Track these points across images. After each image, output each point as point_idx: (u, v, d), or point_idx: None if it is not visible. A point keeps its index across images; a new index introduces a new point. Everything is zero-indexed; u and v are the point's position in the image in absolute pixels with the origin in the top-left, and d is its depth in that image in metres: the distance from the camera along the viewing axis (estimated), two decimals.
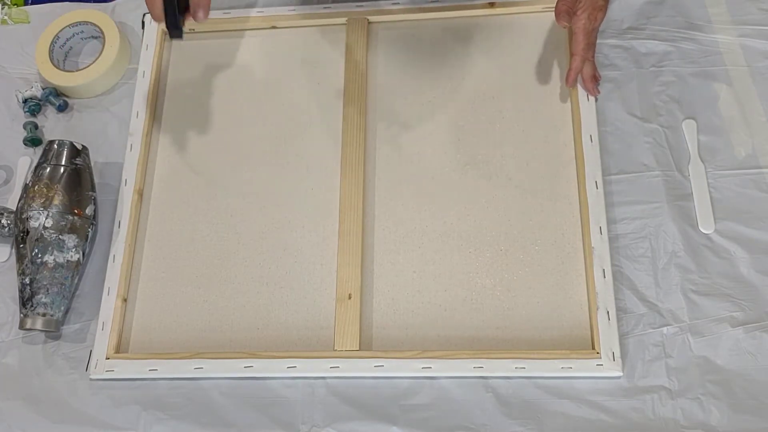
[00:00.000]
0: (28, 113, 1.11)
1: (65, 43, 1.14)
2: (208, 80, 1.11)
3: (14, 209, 0.99)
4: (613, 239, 0.93)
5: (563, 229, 0.95)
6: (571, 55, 0.98)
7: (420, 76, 1.07)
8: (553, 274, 0.93)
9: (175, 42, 1.14)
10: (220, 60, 1.12)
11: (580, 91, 1.00)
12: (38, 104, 1.11)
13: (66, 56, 1.15)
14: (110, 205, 1.03)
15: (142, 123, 1.07)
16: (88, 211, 0.99)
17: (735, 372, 0.86)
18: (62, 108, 1.11)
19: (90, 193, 1.00)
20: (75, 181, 0.98)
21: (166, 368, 0.92)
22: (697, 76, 1.01)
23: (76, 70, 1.11)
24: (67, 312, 0.98)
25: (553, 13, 0.98)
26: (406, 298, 0.94)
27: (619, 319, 0.89)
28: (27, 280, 0.95)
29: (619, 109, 1.00)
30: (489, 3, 1.08)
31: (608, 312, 0.89)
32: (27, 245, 0.95)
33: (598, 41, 1.03)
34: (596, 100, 0.99)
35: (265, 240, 1.00)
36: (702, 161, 0.96)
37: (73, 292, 0.98)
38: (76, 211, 0.97)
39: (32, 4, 1.23)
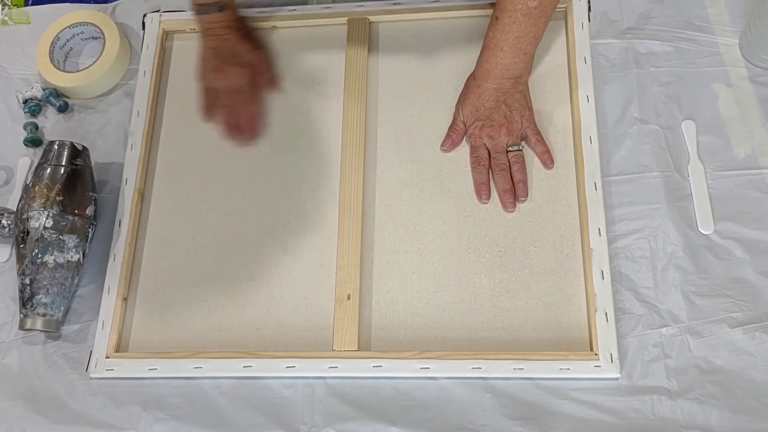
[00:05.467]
0: (28, 114, 1.11)
1: (65, 44, 1.15)
2: None
3: (15, 210, 1.00)
4: (612, 240, 0.93)
5: (562, 230, 0.95)
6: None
7: (420, 76, 1.07)
8: (552, 275, 0.93)
9: (176, 42, 1.14)
10: None
11: (580, 92, 1.00)
12: (38, 105, 1.11)
13: (66, 57, 1.16)
14: (110, 205, 1.03)
15: (142, 123, 1.07)
16: (89, 211, 0.99)
17: (734, 373, 0.86)
18: (62, 108, 1.11)
19: (90, 193, 1.00)
20: (75, 181, 0.99)
21: (166, 367, 0.92)
22: (696, 76, 1.01)
23: (77, 71, 1.11)
24: (67, 312, 0.98)
25: (555, 18, 1.00)
26: (405, 299, 0.94)
27: (618, 320, 0.89)
28: (27, 281, 0.95)
29: (619, 110, 1.00)
30: (490, 3, 1.08)
31: (606, 313, 0.89)
32: (27, 245, 0.95)
33: (597, 41, 1.04)
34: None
35: (265, 240, 1.00)
36: (701, 162, 0.96)
37: (73, 293, 0.99)
38: (76, 211, 0.97)
39: (33, 4, 1.23)
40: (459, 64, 1.06)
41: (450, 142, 1.00)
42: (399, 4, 1.10)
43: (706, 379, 0.86)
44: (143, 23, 1.14)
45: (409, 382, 0.90)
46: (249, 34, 1.06)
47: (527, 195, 0.96)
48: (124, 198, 1.03)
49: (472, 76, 0.99)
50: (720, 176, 0.95)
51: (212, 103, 1.05)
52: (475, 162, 0.98)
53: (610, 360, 0.87)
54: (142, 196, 1.04)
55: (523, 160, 0.97)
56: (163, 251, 1.01)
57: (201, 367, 0.92)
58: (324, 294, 0.95)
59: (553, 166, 0.98)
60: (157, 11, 1.15)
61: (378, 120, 1.05)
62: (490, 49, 0.94)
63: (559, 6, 1.06)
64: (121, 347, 0.96)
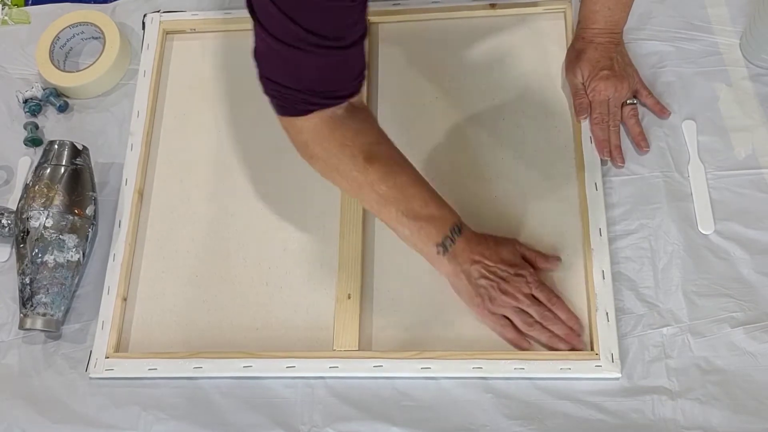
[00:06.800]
0: (28, 113, 1.11)
1: (66, 44, 1.15)
2: (208, 80, 1.11)
3: (15, 209, 1.00)
4: (612, 240, 0.93)
5: (563, 230, 0.95)
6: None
7: (421, 76, 1.07)
8: (553, 275, 0.93)
9: (176, 42, 1.14)
10: (220, 60, 1.12)
11: None
12: (39, 105, 1.11)
13: (66, 57, 1.16)
14: (110, 205, 1.03)
15: (142, 123, 1.07)
16: (89, 211, 0.99)
17: (735, 372, 0.86)
18: (63, 108, 1.11)
19: (90, 193, 1.00)
20: (75, 181, 0.99)
21: (166, 367, 0.92)
22: (697, 76, 1.01)
23: (77, 71, 1.12)
24: (67, 312, 0.98)
25: (554, 19, 1.02)
26: (406, 299, 0.94)
27: (619, 320, 0.89)
28: (27, 280, 0.95)
29: None
30: (490, 4, 1.08)
31: (607, 313, 0.89)
32: (27, 245, 0.95)
33: None
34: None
35: (265, 240, 1.00)
36: (701, 162, 0.96)
37: (73, 292, 0.98)
38: (76, 211, 0.97)
39: (33, 4, 1.23)
40: (459, 64, 1.06)
41: (584, 107, 0.98)
42: (399, 4, 1.10)
43: (707, 379, 0.86)
44: (143, 23, 1.14)
45: (409, 382, 0.90)
46: (498, 239, 0.91)
47: (649, 146, 0.97)
48: (124, 198, 1.03)
49: (579, 38, 0.99)
50: (720, 176, 0.95)
51: (519, 328, 0.88)
52: (599, 119, 0.97)
53: (610, 360, 0.86)
54: (142, 196, 1.04)
55: (638, 113, 0.98)
56: (163, 251, 1.01)
57: (201, 367, 0.92)
58: (324, 293, 0.95)
59: (667, 115, 0.98)
60: (157, 11, 1.15)
61: (378, 120, 1.04)
62: (597, 11, 0.96)
63: (558, 6, 1.07)
64: (120, 347, 0.96)
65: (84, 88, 1.11)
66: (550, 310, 0.88)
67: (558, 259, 0.92)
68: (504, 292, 0.87)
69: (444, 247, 0.86)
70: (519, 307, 0.87)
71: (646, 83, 1.00)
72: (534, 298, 0.88)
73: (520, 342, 0.88)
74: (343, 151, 0.83)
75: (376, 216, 0.91)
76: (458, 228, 0.87)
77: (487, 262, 0.87)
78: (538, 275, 0.89)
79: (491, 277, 0.87)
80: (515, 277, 0.87)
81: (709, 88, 1.00)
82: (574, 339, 0.88)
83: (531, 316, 0.87)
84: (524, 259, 0.90)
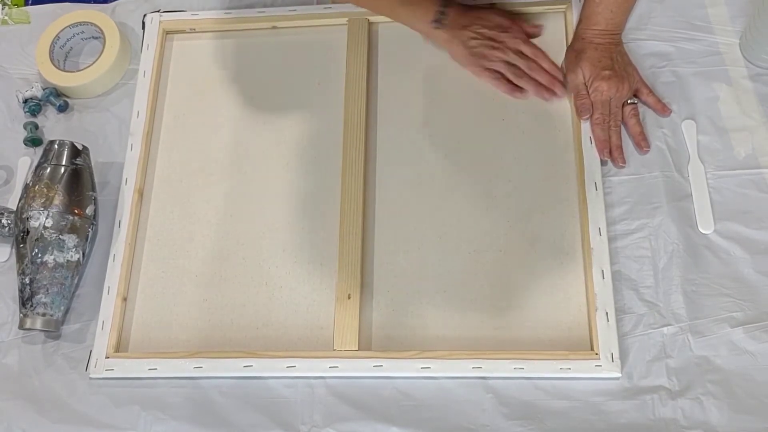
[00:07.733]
0: (28, 113, 1.11)
1: (66, 44, 1.15)
2: (208, 80, 1.11)
3: (14, 209, 1.00)
4: (612, 239, 0.93)
5: (562, 230, 0.95)
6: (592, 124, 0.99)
7: (420, 76, 1.07)
8: (552, 274, 0.93)
9: (176, 42, 1.14)
10: (220, 60, 1.12)
11: None
12: (38, 104, 1.11)
13: (66, 56, 1.16)
14: (110, 205, 1.03)
15: (142, 123, 1.07)
16: (89, 211, 0.99)
17: (735, 372, 0.86)
18: (62, 108, 1.11)
19: (90, 193, 1.00)
20: (75, 181, 0.99)
21: (166, 367, 0.92)
22: (697, 76, 1.01)
23: (77, 71, 1.12)
24: (66, 312, 0.98)
25: (554, 19, 1.03)
26: (405, 299, 0.94)
27: (619, 320, 0.89)
28: (27, 280, 0.95)
29: None
30: (490, 4, 1.08)
31: (607, 313, 0.89)
32: (27, 245, 0.95)
33: None
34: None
35: (265, 240, 1.00)
36: (701, 162, 0.96)
37: (73, 292, 0.98)
38: (76, 211, 0.97)
39: (33, 4, 1.23)
40: (459, 64, 1.06)
41: (586, 108, 0.98)
42: None
43: (707, 378, 0.86)
44: (143, 23, 1.14)
45: (409, 382, 0.90)
46: (483, 6, 1.04)
47: (650, 146, 0.97)
48: (124, 198, 1.03)
49: (579, 38, 1.00)
50: (720, 176, 0.95)
51: (510, 79, 1.01)
52: (600, 119, 0.97)
53: (610, 359, 0.86)
54: (142, 196, 1.04)
55: (638, 113, 0.99)
56: (163, 251, 1.01)
57: (201, 367, 0.92)
58: (324, 293, 0.95)
59: (668, 113, 0.99)
60: (157, 11, 1.15)
61: (378, 120, 1.05)
62: (599, 13, 0.99)
63: (559, 6, 1.07)
64: (120, 347, 0.96)
65: (84, 88, 1.11)
66: (535, 62, 1.00)
67: (540, 25, 1.04)
68: (494, 48, 1.00)
69: (438, 22, 1.00)
70: (508, 61, 1.00)
71: (646, 82, 1.00)
72: (521, 53, 1.00)
73: (513, 92, 1.00)
74: None
75: (376, 12, 1.07)
76: (446, 2, 1.00)
77: (476, 25, 1.00)
78: (523, 34, 1.02)
79: (481, 38, 1.00)
80: (503, 34, 1.00)
81: (709, 88, 1.00)
82: (556, 85, 1.00)
83: (520, 68, 1.00)
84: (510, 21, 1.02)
